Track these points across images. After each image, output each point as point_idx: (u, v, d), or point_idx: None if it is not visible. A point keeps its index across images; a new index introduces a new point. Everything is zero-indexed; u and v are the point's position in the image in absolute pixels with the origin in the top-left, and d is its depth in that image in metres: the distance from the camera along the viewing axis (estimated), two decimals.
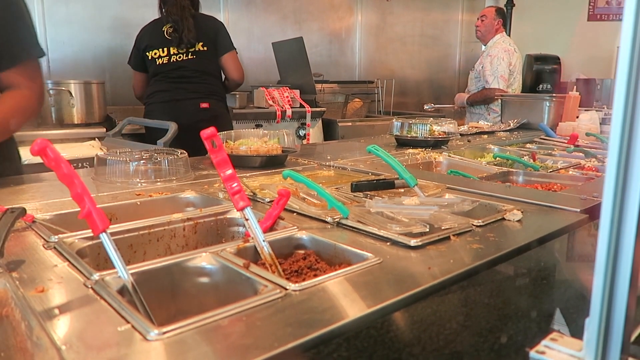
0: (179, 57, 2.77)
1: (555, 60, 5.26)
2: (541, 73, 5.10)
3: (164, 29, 2.77)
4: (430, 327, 0.63)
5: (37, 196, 1.29)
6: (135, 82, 3.01)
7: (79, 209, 1.13)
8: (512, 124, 3.12)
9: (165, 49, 2.77)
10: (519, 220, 1.09)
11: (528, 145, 2.50)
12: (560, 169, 1.88)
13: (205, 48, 2.80)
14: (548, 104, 3.17)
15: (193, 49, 2.77)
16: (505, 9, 5.61)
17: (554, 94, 3.30)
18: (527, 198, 1.28)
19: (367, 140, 2.69)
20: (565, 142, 2.48)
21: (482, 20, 4.26)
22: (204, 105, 2.80)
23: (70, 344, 0.58)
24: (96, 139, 2.51)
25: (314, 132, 3.91)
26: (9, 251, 0.86)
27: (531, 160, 2.02)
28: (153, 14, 4.03)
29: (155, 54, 2.79)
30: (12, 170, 1.60)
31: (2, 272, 0.76)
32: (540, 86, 5.06)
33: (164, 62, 2.78)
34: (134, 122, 2.71)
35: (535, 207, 1.22)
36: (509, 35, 5.40)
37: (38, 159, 0.75)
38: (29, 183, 1.46)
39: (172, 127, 2.24)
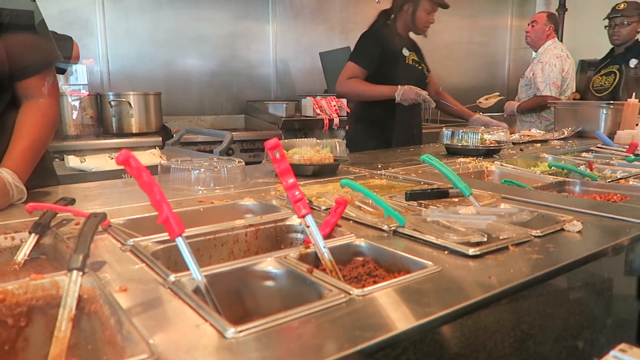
0: None
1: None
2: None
3: None
4: (495, 334, 0.64)
5: (109, 202, 1.38)
6: None
7: (147, 215, 1.22)
8: (566, 133, 3.03)
9: None
10: (579, 231, 1.08)
11: (584, 154, 2.43)
12: (620, 179, 1.82)
13: None
14: (605, 112, 3.07)
15: None
16: (557, 13, 5.46)
17: (611, 101, 3.19)
18: (586, 209, 1.26)
19: (415, 148, 2.69)
20: (624, 151, 2.39)
21: (533, 26, 4.18)
22: (348, 127, 3.11)
23: (156, 338, 0.63)
24: (157, 147, 2.64)
25: None
26: (92, 252, 0.93)
27: (588, 170, 1.96)
28: (206, 27, 4.21)
29: None
30: (52, 179, 1.68)
31: (88, 271, 0.83)
32: None
33: None
34: (192, 131, 2.83)
35: (595, 218, 1.19)
36: (561, 41, 5.25)
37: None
38: (99, 190, 1.56)
39: (227, 136, 2.33)
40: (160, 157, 2.32)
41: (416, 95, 2.80)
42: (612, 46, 3.78)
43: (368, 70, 2.91)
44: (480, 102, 3.44)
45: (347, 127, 3.18)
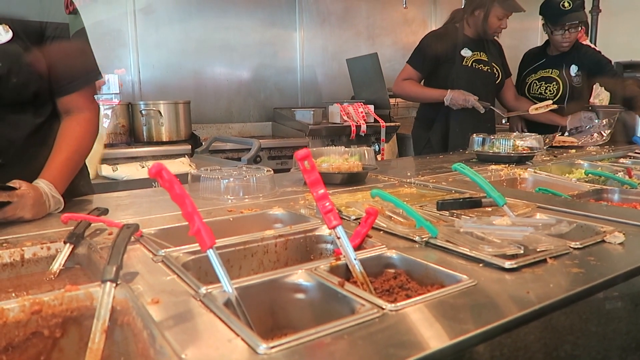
0: None
1: None
2: (635, 81, 4.75)
3: None
4: (536, 355, 0.62)
5: (140, 212, 1.39)
6: None
7: (178, 225, 1.22)
8: (605, 135, 2.89)
9: None
10: (621, 243, 1.04)
11: (622, 160, 2.35)
12: None
13: None
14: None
15: None
16: (590, 14, 5.31)
17: None
18: (627, 219, 1.21)
19: (445, 156, 2.65)
20: None
21: None
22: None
23: (188, 353, 0.63)
24: (186, 155, 2.67)
25: (389, 147, 3.91)
26: (124, 263, 0.94)
27: (627, 177, 1.89)
28: (234, 36, 4.26)
29: None
30: (87, 188, 1.71)
31: (121, 283, 0.83)
32: None
33: None
34: (221, 139, 2.86)
35: (637, 229, 1.14)
36: (595, 43, 5.11)
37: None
38: (131, 199, 1.58)
39: (255, 144, 2.34)
40: (190, 165, 2.35)
41: (464, 101, 2.81)
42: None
43: (421, 73, 3.00)
44: (530, 111, 3.22)
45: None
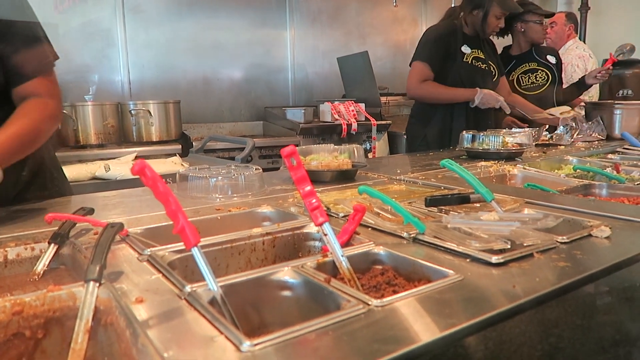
0: None
1: (637, 63, 4.94)
2: (621, 78, 4.79)
3: None
4: (521, 348, 0.61)
5: (127, 211, 1.38)
6: None
7: (165, 224, 1.21)
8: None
9: None
10: (607, 237, 1.04)
11: (610, 156, 2.36)
12: None
13: None
14: (620, 112, 2.99)
15: None
16: (579, 12, 5.35)
17: (634, 102, 3.11)
18: (614, 213, 1.22)
19: (435, 153, 2.65)
20: None
21: (552, 27, 4.10)
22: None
23: (171, 352, 0.62)
24: (177, 154, 2.66)
25: (380, 145, 3.91)
26: (109, 263, 0.93)
27: (615, 172, 1.90)
28: (225, 35, 4.24)
29: None
30: (66, 189, 1.67)
31: (105, 282, 0.82)
32: (621, 92, 4.76)
33: None
34: (215, 138, 2.84)
35: (624, 223, 1.15)
36: (584, 40, 5.15)
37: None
38: (119, 198, 1.57)
39: (249, 143, 2.33)
40: (182, 165, 2.33)
41: (495, 101, 2.82)
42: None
43: (434, 69, 2.92)
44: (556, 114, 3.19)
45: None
